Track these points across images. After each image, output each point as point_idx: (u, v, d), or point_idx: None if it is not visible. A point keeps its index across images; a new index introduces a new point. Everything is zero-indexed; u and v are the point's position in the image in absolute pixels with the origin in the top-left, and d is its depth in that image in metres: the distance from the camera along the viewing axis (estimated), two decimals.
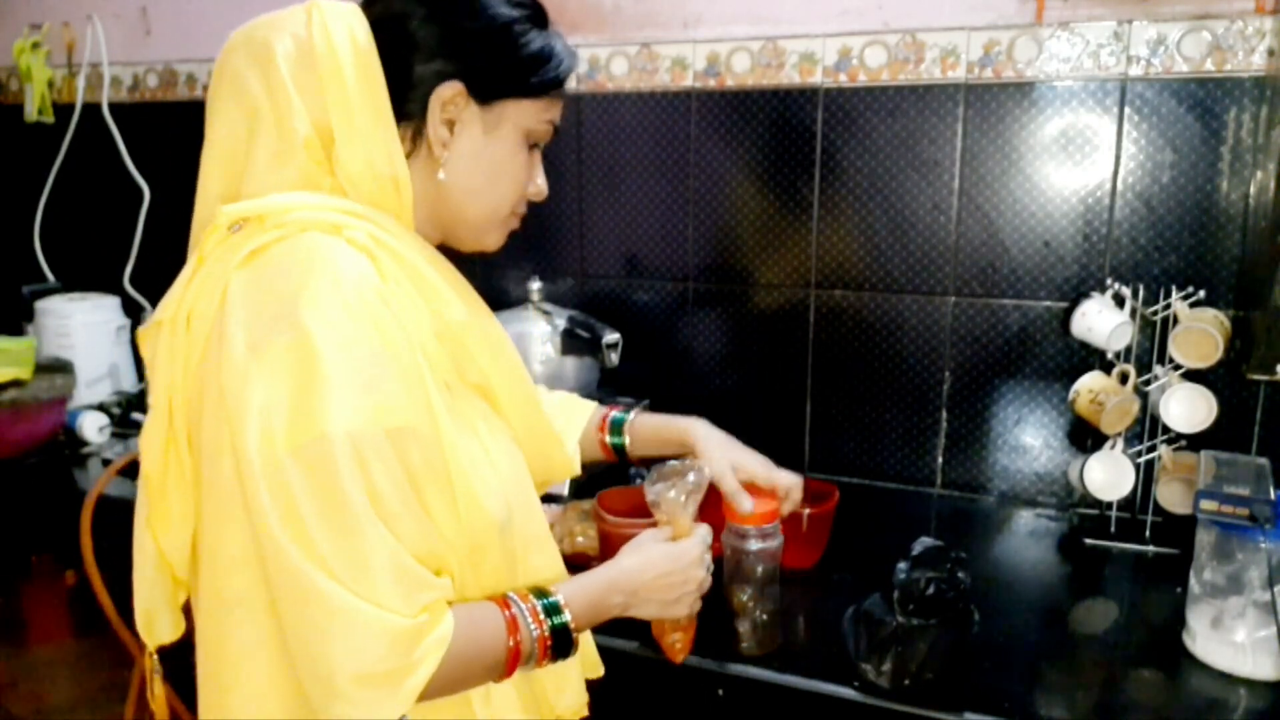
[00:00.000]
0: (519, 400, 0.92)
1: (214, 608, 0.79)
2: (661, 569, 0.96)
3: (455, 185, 0.88)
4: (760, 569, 1.14)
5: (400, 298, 0.80)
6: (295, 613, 0.72)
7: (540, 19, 0.91)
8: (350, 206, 0.81)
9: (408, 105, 0.85)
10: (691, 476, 1.03)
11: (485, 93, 0.87)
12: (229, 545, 0.76)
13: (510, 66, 0.88)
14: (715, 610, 1.32)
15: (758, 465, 1.16)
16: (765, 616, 1.16)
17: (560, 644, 0.85)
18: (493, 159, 0.89)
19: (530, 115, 0.91)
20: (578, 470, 1.10)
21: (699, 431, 1.17)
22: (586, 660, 1.00)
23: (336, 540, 0.71)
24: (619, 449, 1.18)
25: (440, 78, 0.85)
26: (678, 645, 1.10)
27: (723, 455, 1.14)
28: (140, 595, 0.85)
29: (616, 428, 1.18)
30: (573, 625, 0.85)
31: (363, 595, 0.71)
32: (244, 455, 0.72)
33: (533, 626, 0.82)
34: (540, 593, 0.86)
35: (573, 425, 1.17)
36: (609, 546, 1.03)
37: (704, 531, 1.02)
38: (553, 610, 0.84)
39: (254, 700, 0.77)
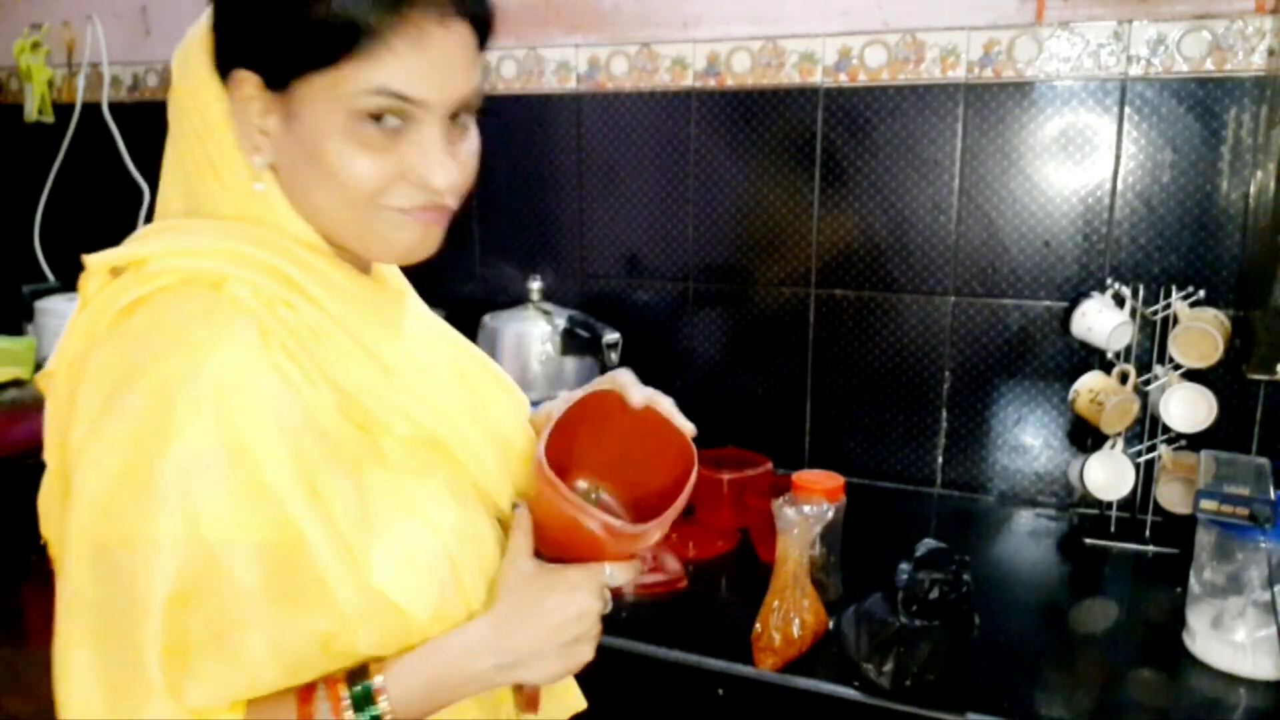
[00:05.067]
0: (465, 430, 0.78)
1: None
2: (548, 606, 0.74)
3: (290, 193, 0.74)
4: None
5: (282, 374, 0.68)
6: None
7: None
8: (242, 247, 0.70)
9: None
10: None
11: (276, 78, 0.70)
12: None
13: (286, 38, 0.69)
14: (711, 613, 1.33)
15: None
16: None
17: None
18: (304, 157, 0.71)
19: (335, 90, 0.68)
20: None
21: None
22: (563, 699, 0.88)
23: (111, 672, 0.63)
24: None
25: (233, 66, 0.72)
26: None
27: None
28: None
29: None
30: (386, 715, 0.69)
31: None
32: (69, 550, 0.65)
33: None
34: (358, 676, 0.70)
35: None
36: (549, 529, 0.77)
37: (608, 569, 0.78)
38: (362, 700, 0.69)
39: None
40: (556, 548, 0.78)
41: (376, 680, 0.69)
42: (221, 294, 0.68)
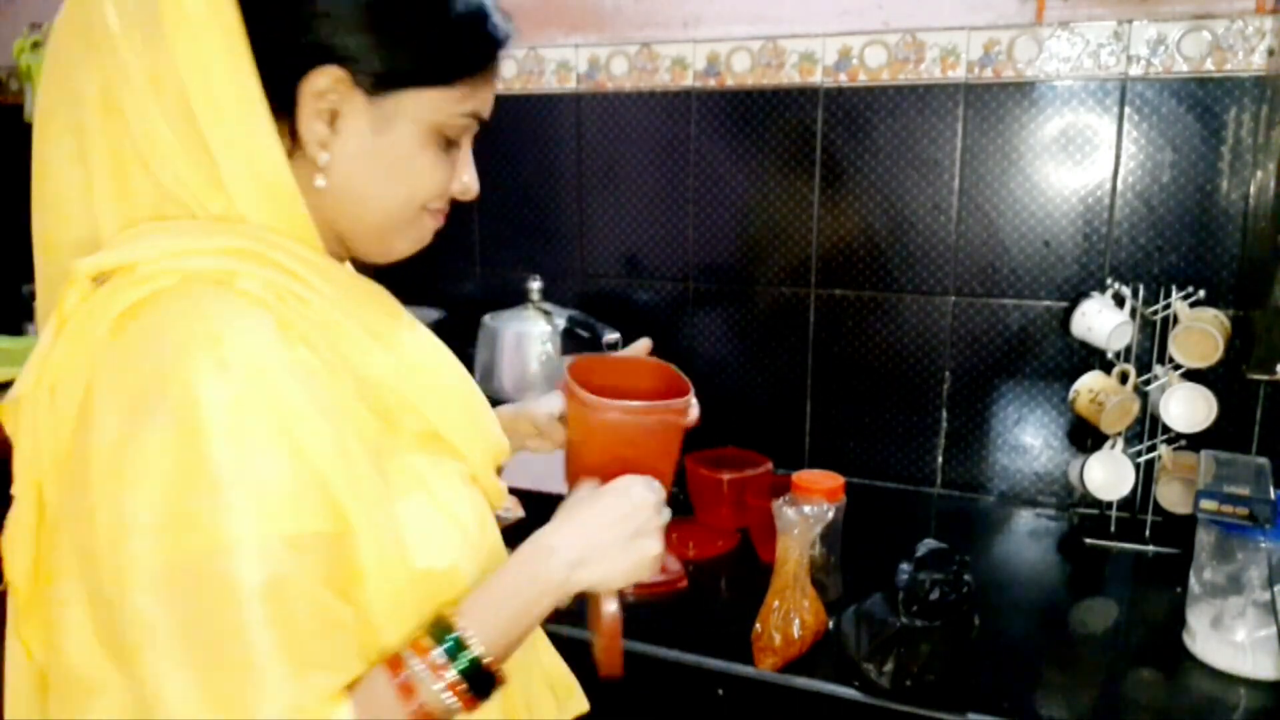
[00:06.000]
0: (467, 428, 0.78)
1: None
2: (604, 505, 0.78)
3: (341, 193, 0.71)
4: None
5: (309, 364, 0.65)
6: None
7: None
8: (242, 244, 0.66)
9: (276, 94, 0.67)
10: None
11: (374, 82, 0.69)
12: (99, 667, 0.63)
13: (409, 48, 0.69)
14: (711, 613, 1.33)
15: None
16: None
17: (479, 684, 0.69)
18: (385, 163, 0.71)
19: (438, 107, 0.71)
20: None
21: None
22: (560, 691, 0.87)
23: (219, 683, 0.59)
24: None
25: (310, 63, 0.67)
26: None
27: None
28: None
29: None
30: (485, 657, 0.69)
31: None
32: (109, 569, 0.60)
33: (432, 684, 0.67)
34: (441, 631, 0.69)
35: None
36: (584, 433, 0.88)
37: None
38: (458, 651, 0.68)
39: None
40: (602, 472, 0.83)
41: (461, 628, 0.69)
42: (233, 289, 0.65)
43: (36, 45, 2.27)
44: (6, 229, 2.42)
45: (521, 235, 1.96)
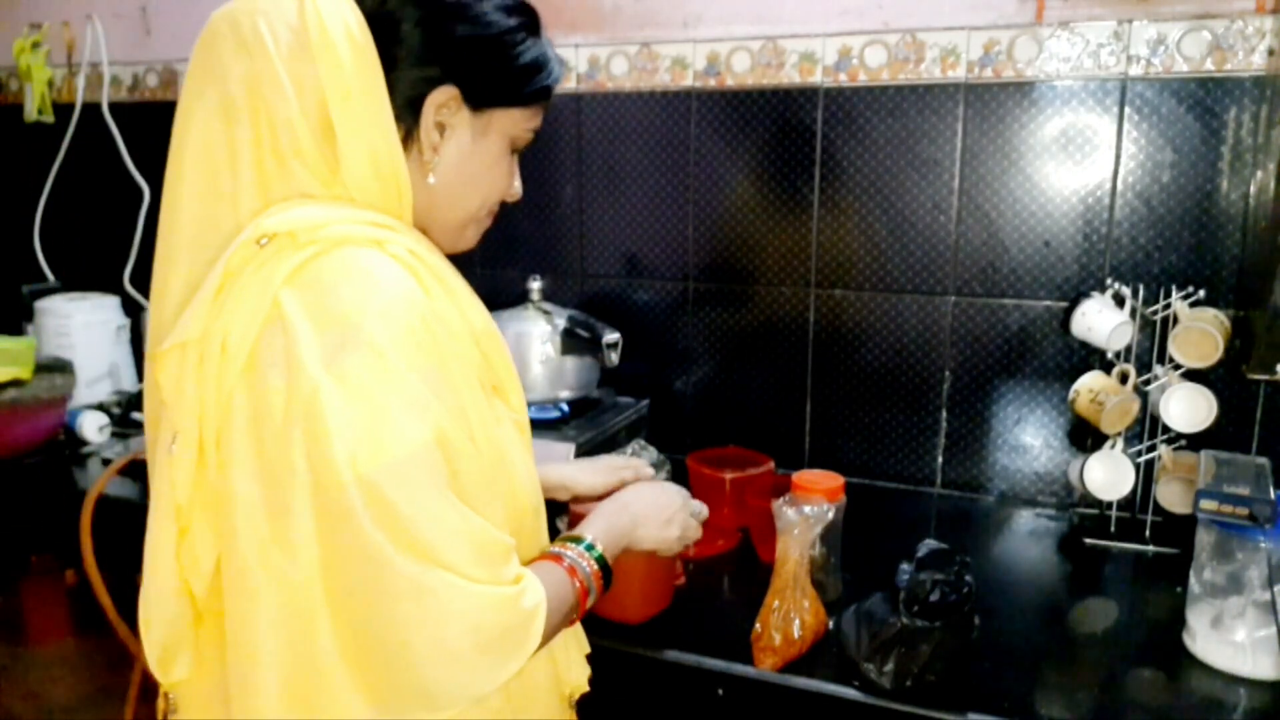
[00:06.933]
0: (519, 389, 0.95)
1: (250, 628, 0.77)
2: (653, 497, 1.12)
3: (440, 190, 0.89)
4: None
5: (444, 311, 0.81)
6: (408, 611, 0.75)
7: (534, 27, 0.92)
8: (376, 218, 0.81)
9: (402, 105, 0.84)
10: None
11: (478, 100, 0.88)
12: (278, 566, 0.75)
13: (504, 76, 0.89)
14: (711, 613, 1.33)
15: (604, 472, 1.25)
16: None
17: (606, 576, 0.97)
18: (478, 165, 0.91)
19: (517, 123, 0.92)
20: None
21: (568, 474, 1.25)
22: (580, 637, 1.05)
23: (447, 540, 0.76)
24: None
25: (433, 82, 0.85)
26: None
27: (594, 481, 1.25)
28: (157, 633, 0.82)
29: None
30: (609, 559, 0.98)
31: (478, 579, 0.77)
32: (332, 477, 0.72)
33: (585, 567, 0.94)
34: (574, 540, 0.97)
35: None
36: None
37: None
38: (591, 549, 0.96)
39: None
40: None
41: (589, 537, 0.97)
42: (383, 251, 0.79)
43: (36, 45, 2.28)
44: (7, 229, 2.42)
45: (521, 235, 1.96)
